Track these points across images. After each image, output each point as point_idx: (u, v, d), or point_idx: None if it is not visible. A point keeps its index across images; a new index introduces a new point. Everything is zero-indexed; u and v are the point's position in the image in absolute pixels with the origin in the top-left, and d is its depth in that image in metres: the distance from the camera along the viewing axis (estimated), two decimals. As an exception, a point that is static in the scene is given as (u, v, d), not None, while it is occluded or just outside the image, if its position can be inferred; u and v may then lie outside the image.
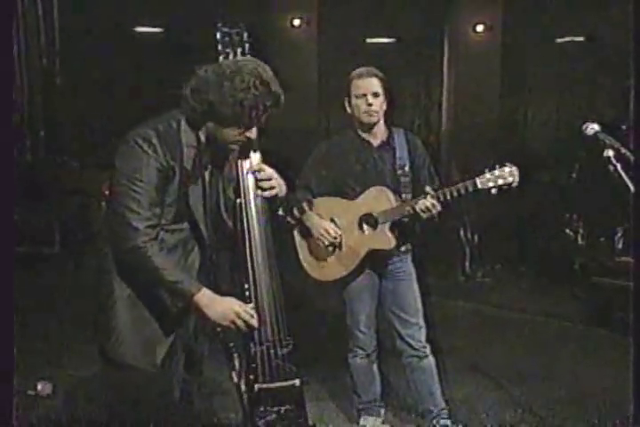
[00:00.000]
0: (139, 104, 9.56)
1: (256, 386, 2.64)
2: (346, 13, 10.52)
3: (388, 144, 3.62)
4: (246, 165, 2.70)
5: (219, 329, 2.63)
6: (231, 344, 2.67)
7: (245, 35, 2.70)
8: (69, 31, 9.27)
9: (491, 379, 4.59)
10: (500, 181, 3.35)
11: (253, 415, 2.65)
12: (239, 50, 2.68)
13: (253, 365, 2.65)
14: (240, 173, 2.69)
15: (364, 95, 3.50)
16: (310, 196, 3.61)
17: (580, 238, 7.60)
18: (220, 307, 2.56)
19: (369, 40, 11.59)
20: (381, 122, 3.60)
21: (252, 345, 2.64)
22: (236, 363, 2.68)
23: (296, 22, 10.49)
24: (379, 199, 3.53)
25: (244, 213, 2.67)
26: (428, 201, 3.39)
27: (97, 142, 8.87)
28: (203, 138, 2.60)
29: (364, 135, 3.61)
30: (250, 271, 2.65)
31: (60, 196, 7.89)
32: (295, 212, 3.55)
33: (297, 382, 2.70)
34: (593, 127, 2.73)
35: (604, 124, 2.77)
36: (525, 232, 8.00)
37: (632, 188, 2.56)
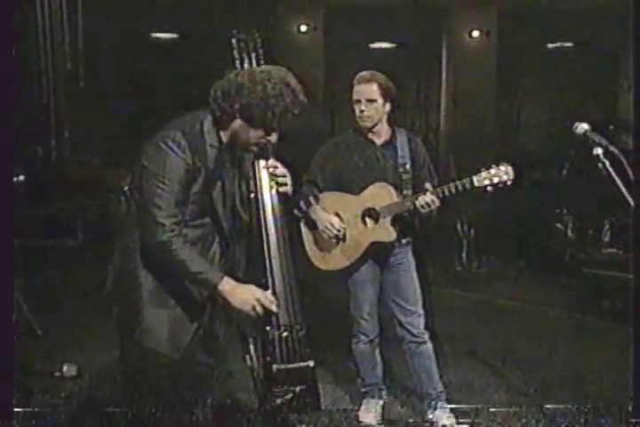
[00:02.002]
0: (156, 105, 9.62)
1: (274, 366, 2.64)
2: (350, 20, 10.51)
3: (390, 143, 3.61)
4: (262, 162, 2.71)
5: (235, 315, 2.63)
6: (247, 329, 2.68)
7: (259, 41, 2.71)
8: (92, 37, 9.30)
9: (485, 363, 4.60)
10: (496, 180, 3.35)
11: (270, 395, 2.65)
12: (253, 55, 2.69)
13: (270, 347, 2.65)
14: (256, 171, 2.71)
15: (359, 101, 3.51)
16: (316, 191, 3.61)
17: (569, 232, 7.58)
18: (243, 294, 2.58)
19: (372, 45, 11.59)
20: (384, 122, 3.59)
21: (268, 329, 2.64)
22: (251, 347, 2.69)
23: (303, 28, 10.50)
24: (381, 195, 3.52)
25: (260, 207, 2.68)
26: (427, 197, 3.38)
27: (117, 142, 8.90)
28: (224, 138, 2.61)
29: (368, 135, 3.60)
30: (266, 260, 2.66)
31: (83, 192, 7.91)
32: (302, 205, 3.55)
33: (311, 363, 2.71)
34: (583, 127, 2.72)
35: (593, 124, 2.76)
36: (519, 226, 7.98)
37: (620, 185, 2.55)
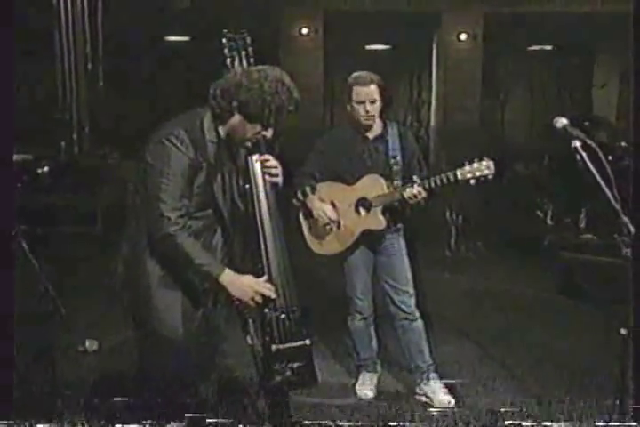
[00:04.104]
0: (169, 103, 9.62)
1: (273, 346, 2.62)
2: (348, 23, 10.49)
3: (382, 136, 3.57)
4: (255, 156, 2.67)
5: (241, 301, 2.62)
6: (246, 311, 2.66)
7: (249, 39, 2.66)
8: (111, 40, 9.29)
9: (471, 340, 4.58)
10: (478, 173, 3.33)
11: (270, 372, 2.64)
12: (243, 53, 2.64)
13: (269, 329, 2.63)
14: (250, 163, 2.67)
15: (363, 102, 3.44)
16: (313, 182, 3.58)
17: (549, 219, 7.57)
18: (242, 285, 2.56)
19: (368, 47, 11.58)
20: (377, 118, 3.55)
21: (266, 312, 2.62)
22: (251, 328, 2.67)
23: (304, 31, 10.48)
24: (373, 186, 3.50)
25: (255, 198, 2.65)
26: (414, 189, 3.37)
27: (134, 136, 8.89)
28: (222, 134, 2.58)
29: (362, 130, 3.57)
30: (262, 247, 2.63)
31: (102, 183, 7.90)
32: (300, 195, 3.53)
33: (307, 342, 2.68)
34: (562, 121, 2.69)
35: (571, 119, 2.73)
36: (502, 214, 7.97)
37: (597, 175, 2.53)
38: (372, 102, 3.45)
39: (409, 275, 3.66)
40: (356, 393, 3.74)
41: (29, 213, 6.89)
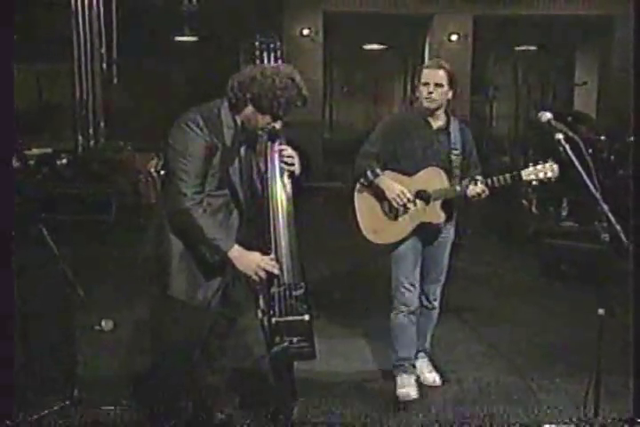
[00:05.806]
0: (179, 99, 9.62)
1: (273, 319, 2.64)
2: (346, 25, 10.47)
3: (445, 129, 3.37)
4: (273, 144, 2.72)
5: (248, 276, 2.64)
6: (257, 287, 2.68)
7: (278, 44, 2.78)
8: (124, 42, 9.30)
9: (462, 320, 4.59)
10: (541, 175, 3.19)
11: (271, 343, 2.66)
12: (272, 55, 2.74)
13: (272, 303, 2.65)
14: (268, 152, 2.72)
15: (427, 84, 3.29)
16: (375, 163, 3.33)
17: (533, 208, 7.56)
18: (247, 260, 2.60)
19: (365, 46, 11.55)
20: (444, 108, 3.37)
21: (272, 287, 2.65)
22: (261, 303, 2.69)
23: (305, 32, 10.45)
24: (434, 178, 3.30)
25: (270, 183, 2.69)
26: (478, 188, 3.22)
27: (146, 130, 8.89)
28: (239, 121, 2.64)
29: (427, 117, 3.37)
30: (272, 229, 2.67)
31: (116, 173, 7.90)
32: (369, 175, 3.29)
33: (306, 317, 2.67)
34: (546, 115, 2.70)
35: (555, 114, 2.73)
36: (490, 203, 7.97)
37: (578, 166, 2.53)
38: (437, 86, 3.27)
39: (446, 263, 3.51)
40: (397, 396, 3.40)
41: (48, 202, 6.90)
